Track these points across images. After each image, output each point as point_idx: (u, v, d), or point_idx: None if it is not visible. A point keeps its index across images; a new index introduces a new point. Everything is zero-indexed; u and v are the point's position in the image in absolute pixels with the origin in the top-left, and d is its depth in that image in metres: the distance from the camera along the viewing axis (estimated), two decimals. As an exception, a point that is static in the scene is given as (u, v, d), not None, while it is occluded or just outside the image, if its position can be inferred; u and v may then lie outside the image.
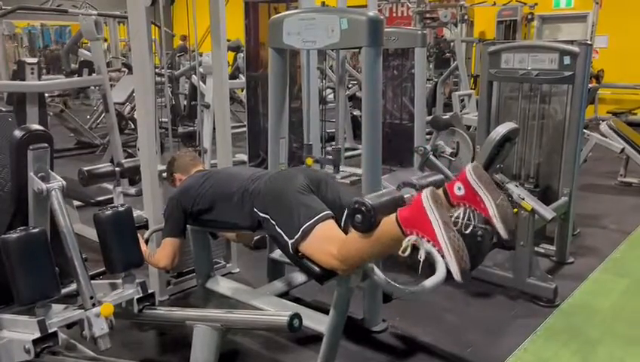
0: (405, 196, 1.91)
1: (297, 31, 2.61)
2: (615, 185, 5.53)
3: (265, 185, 2.27)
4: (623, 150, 5.23)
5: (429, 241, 1.70)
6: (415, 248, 1.79)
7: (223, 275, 3.08)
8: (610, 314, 2.95)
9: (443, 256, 1.68)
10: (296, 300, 2.85)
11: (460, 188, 1.82)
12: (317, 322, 2.30)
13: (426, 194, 1.73)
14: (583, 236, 4.05)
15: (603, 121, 5.73)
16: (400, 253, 1.75)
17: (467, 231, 1.80)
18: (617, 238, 4.01)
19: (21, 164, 1.94)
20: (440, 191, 1.82)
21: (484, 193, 1.77)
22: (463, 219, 1.82)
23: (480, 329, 2.79)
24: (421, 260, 1.73)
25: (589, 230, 4.17)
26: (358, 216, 1.81)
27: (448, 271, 1.73)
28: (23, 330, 1.84)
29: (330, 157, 3.99)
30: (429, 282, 1.95)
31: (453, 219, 1.78)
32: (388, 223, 1.79)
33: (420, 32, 4.75)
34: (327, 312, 2.24)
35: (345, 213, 2.17)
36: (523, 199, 3.05)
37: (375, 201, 1.83)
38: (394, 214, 1.78)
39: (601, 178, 5.73)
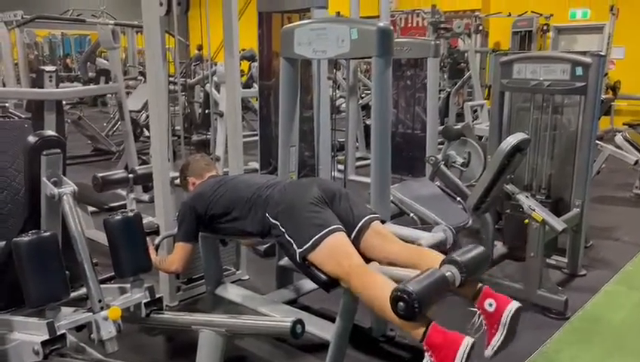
0: (447, 275, 1.87)
1: (308, 41, 2.64)
2: (630, 197, 5.46)
3: (279, 194, 2.30)
4: (637, 162, 5.16)
5: None
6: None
7: (233, 282, 3.10)
8: (622, 328, 2.91)
9: None
10: (304, 308, 2.86)
11: (491, 306, 1.92)
12: (323, 329, 2.32)
13: (466, 344, 1.71)
14: (595, 248, 4.00)
15: (619, 132, 5.67)
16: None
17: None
18: (630, 251, 3.95)
19: (34, 169, 1.98)
20: (474, 342, 1.78)
21: (502, 331, 1.90)
22: (476, 325, 1.94)
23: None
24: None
25: (602, 242, 4.13)
26: (401, 304, 1.73)
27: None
28: (32, 332, 1.87)
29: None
30: None
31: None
32: (416, 326, 1.77)
33: (432, 42, 4.77)
34: (334, 320, 2.25)
35: (357, 228, 2.23)
36: (534, 210, 3.03)
37: (418, 288, 1.73)
38: (424, 327, 1.76)
39: (615, 190, 5.66)
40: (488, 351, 1.92)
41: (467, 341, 1.73)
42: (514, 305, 1.91)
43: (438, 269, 1.87)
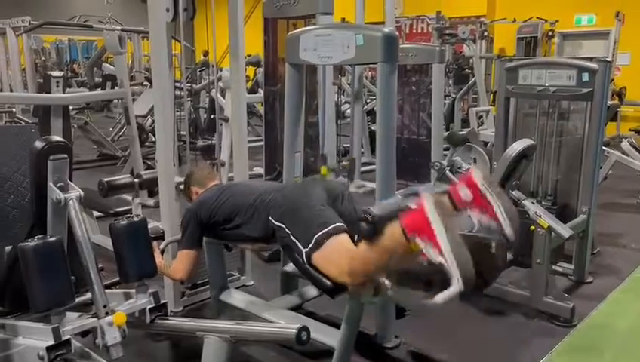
0: (410, 205, 1.92)
1: (314, 47, 2.65)
2: (637, 204, 5.44)
3: (282, 196, 2.30)
4: (644, 168, 5.14)
5: (431, 246, 1.68)
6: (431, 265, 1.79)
7: (237, 288, 3.09)
8: (629, 335, 2.89)
9: (445, 262, 1.65)
10: (309, 314, 2.84)
11: (467, 194, 1.79)
12: (328, 336, 2.31)
13: (428, 198, 1.72)
14: (602, 255, 3.98)
15: (625, 138, 5.65)
16: (403, 253, 1.75)
17: (472, 232, 1.80)
18: (638, 258, 3.93)
19: (41, 174, 1.98)
20: (445, 197, 1.80)
21: (494, 199, 1.75)
22: (467, 223, 1.80)
23: (495, 348, 2.76)
24: (425, 265, 1.71)
25: (609, 249, 4.10)
26: (364, 224, 1.84)
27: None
28: (37, 337, 1.87)
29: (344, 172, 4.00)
30: (441, 296, 1.94)
31: (460, 225, 1.77)
32: (392, 230, 1.79)
33: (437, 48, 4.77)
34: (339, 326, 2.24)
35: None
36: (540, 216, 3.01)
37: (380, 210, 1.85)
38: (396, 222, 1.78)
39: (622, 196, 5.63)
40: (506, 228, 1.75)
41: (427, 197, 1.72)
42: (476, 173, 1.81)
43: (402, 199, 1.90)
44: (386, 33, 2.39)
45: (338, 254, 2.03)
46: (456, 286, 1.81)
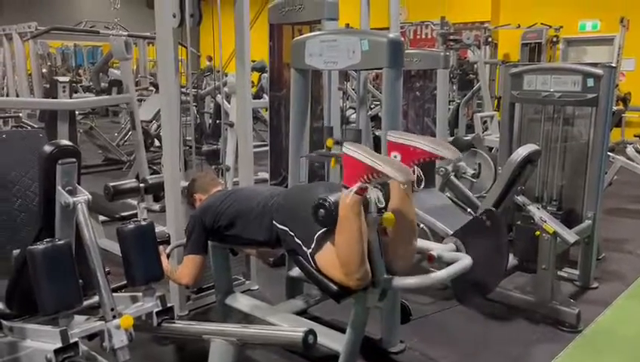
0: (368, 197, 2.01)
1: (319, 52, 2.66)
2: (642, 210, 5.43)
3: (284, 198, 2.31)
4: (649, 174, 5.13)
5: (370, 175, 1.86)
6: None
7: (243, 292, 3.10)
8: (635, 341, 2.88)
9: (380, 173, 1.84)
10: (315, 318, 2.85)
11: (395, 156, 2.11)
12: (334, 340, 2.31)
13: (346, 145, 1.91)
14: (607, 261, 3.97)
15: (630, 144, 5.64)
16: (356, 190, 1.88)
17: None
18: (644, 264, 3.92)
19: (50, 178, 2.00)
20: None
21: (412, 141, 2.10)
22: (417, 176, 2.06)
23: (500, 353, 2.75)
24: (372, 199, 1.94)
25: (615, 255, 4.09)
26: (321, 210, 1.96)
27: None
28: (45, 340, 1.89)
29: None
30: (450, 269, 2.03)
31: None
32: (341, 199, 1.92)
33: (442, 53, 4.78)
34: (344, 331, 2.25)
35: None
36: (545, 222, 3.01)
37: (336, 197, 1.96)
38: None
39: (627, 202, 5.62)
40: (440, 152, 2.08)
41: (345, 145, 1.93)
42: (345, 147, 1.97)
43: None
44: (391, 39, 2.40)
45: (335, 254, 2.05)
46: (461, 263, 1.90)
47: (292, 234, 2.18)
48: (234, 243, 2.61)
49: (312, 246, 2.08)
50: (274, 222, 2.26)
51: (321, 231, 2.07)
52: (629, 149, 5.26)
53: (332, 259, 2.03)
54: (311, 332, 1.82)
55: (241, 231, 2.42)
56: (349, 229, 1.92)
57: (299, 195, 2.31)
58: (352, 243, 1.92)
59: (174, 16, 2.94)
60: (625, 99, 8.64)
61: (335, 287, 2.06)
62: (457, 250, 2.51)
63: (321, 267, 2.08)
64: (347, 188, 1.92)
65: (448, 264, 2.13)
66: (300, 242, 2.14)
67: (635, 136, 8.29)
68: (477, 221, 2.73)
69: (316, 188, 2.30)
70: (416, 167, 2.06)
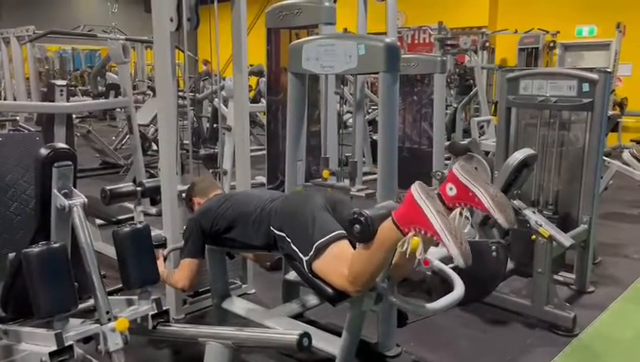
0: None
1: (316, 56, 2.67)
2: (638, 214, 5.44)
3: (282, 204, 2.31)
4: (645, 179, 5.15)
5: (426, 233, 1.72)
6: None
7: (239, 296, 3.09)
8: (632, 346, 2.88)
9: (442, 243, 1.69)
10: (311, 322, 2.85)
11: (451, 189, 1.82)
12: (330, 344, 2.31)
13: (415, 187, 1.77)
14: (603, 265, 3.98)
15: (626, 149, 5.66)
16: (400, 249, 1.78)
17: (465, 231, 1.83)
18: (639, 268, 3.92)
19: (46, 181, 2.00)
20: (433, 191, 1.84)
21: (475, 188, 1.78)
22: (462, 216, 1.82)
23: (496, 357, 2.75)
24: (420, 258, 1.77)
25: (611, 259, 4.10)
26: (357, 226, 1.86)
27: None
28: (40, 343, 1.88)
29: (347, 169, 3.99)
30: (443, 301, 1.97)
31: (451, 218, 1.78)
32: (386, 227, 1.83)
33: (439, 58, 4.80)
34: (340, 334, 2.25)
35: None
36: (541, 226, 3.02)
37: (373, 212, 1.88)
38: (388, 219, 1.82)
39: (623, 206, 5.64)
40: (496, 215, 1.76)
41: (413, 186, 1.77)
42: (455, 165, 1.85)
43: (395, 202, 1.95)
44: (387, 43, 2.41)
45: (339, 261, 2.04)
46: (457, 292, 1.82)
47: (289, 240, 2.18)
48: (231, 247, 2.62)
49: (310, 254, 2.08)
50: (271, 227, 2.27)
51: (321, 241, 2.07)
52: (625, 154, 5.28)
53: (335, 267, 2.03)
54: (306, 334, 1.82)
55: (238, 234, 2.42)
56: (378, 253, 1.87)
57: (297, 202, 2.30)
58: (375, 265, 1.92)
59: (172, 20, 2.95)
60: (622, 104, 8.69)
61: (331, 291, 2.06)
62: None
63: (321, 273, 2.08)
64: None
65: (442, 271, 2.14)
66: (296, 249, 2.14)
67: (632, 140, 8.33)
68: (485, 246, 2.71)
69: (314, 196, 2.29)
70: (464, 209, 1.85)
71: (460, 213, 1.81)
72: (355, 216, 1.86)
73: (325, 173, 3.81)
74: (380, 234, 1.84)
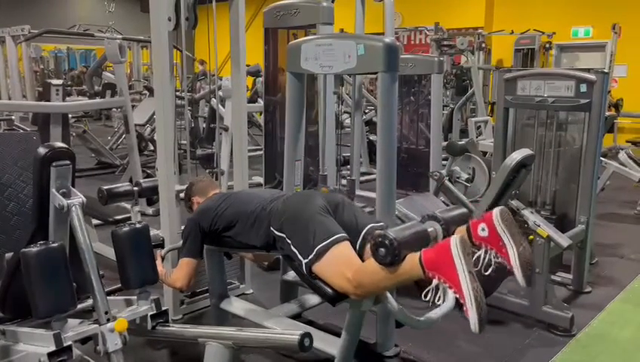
0: (429, 230, 1.89)
1: (315, 56, 2.66)
2: (634, 215, 5.45)
3: (282, 205, 2.30)
4: (641, 179, 5.17)
5: (450, 288, 1.70)
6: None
7: (237, 296, 3.09)
8: (629, 346, 2.89)
9: (464, 305, 1.68)
10: (309, 322, 2.84)
11: (484, 230, 1.83)
12: (329, 344, 2.31)
13: (455, 242, 1.72)
14: (601, 265, 3.99)
15: (622, 149, 5.68)
16: (422, 296, 1.76)
17: (487, 273, 1.82)
18: (636, 268, 3.94)
19: (44, 180, 1.99)
20: (465, 235, 1.83)
21: (508, 239, 1.79)
22: (484, 260, 1.83)
23: (494, 357, 2.75)
24: (438, 303, 1.75)
25: (608, 259, 4.11)
26: (382, 249, 1.79)
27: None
28: (38, 343, 1.87)
29: (345, 187, 4.03)
30: (439, 312, 1.97)
31: (474, 258, 1.78)
32: (410, 262, 1.79)
33: (436, 58, 4.80)
34: (339, 335, 2.24)
35: (361, 237, 2.19)
36: (539, 226, 3.03)
37: (399, 235, 1.80)
38: (417, 254, 1.78)
39: (620, 207, 5.66)
40: (517, 274, 1.80)
41: (454, 239, 1.73)
42: (497, 209, 1.86)
43: (419, 223, 1.88)
44: (387, 43, 2.40)
45: (341, 263, 2.04)
46: (451, 302, 1.83)
47: (289, 241, 2.18)
48: (230, 247, 2.60)
49: (311, 257, 2.07)
50: (271, 228, 2.26)
51: (322, 245, 2.06)
52: (622, 154, 5.30)
53: (337, 269, 2.03)
54: (307, 335, 1.81)
55: (237, 234, 2.41)
56: (393, 279, 1.86)
57: (298, 203, 2.29)
58: (385, 285, 1.92)
59: (170, 20, 2.94)
60: (617, 105, 8.71)
61: (331, 291, 2.06)
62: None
63: (321, 275, 2.07)
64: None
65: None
66: (296, 251, 2.13)
67: (628, 141, 8.36)
68: (464, 213, 2.72)
69: (314, 198, 2.28)
70: (489, 253, 1.86)
71: (485, 253, 1.82)
72: (380, 239, 1.79)
73: (324, 189, 3.83)
74: (404, 265, 1.80)
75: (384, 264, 1.80)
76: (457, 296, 1.70)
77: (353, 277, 1.97)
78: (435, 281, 1.73)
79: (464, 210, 2.06)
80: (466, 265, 1.69)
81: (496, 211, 1.84)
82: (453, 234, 1.95)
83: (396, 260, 1.78)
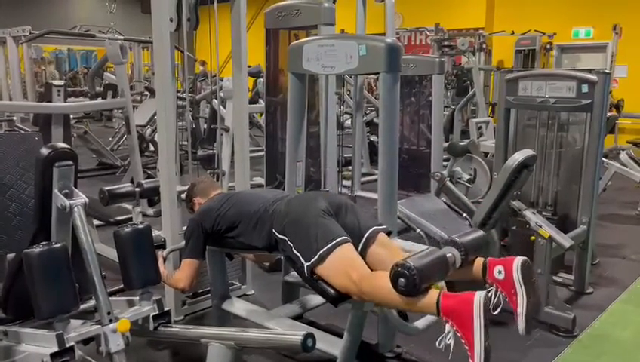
0: (447, 255, 1.89)
1: (317, 57, 2.66)
2: (636, 215, 5.45)
3: (285, 207, 2.29)
4: (643, 180, 5.17)
5: (462, 339, 1.73)
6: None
7: (238, 297, 3.09)
8: (631, 346, 2.89)
9: (470, 355, 1.73)
10: (311, 323, 2.84)
11: (500, 272, 1.87)
12: (330, 345, 2.31)
13: (478, 301, 1.72)
14: (602, 266, 3.99)
15: (623, 150, 5.68)
16: (437, 343, 1.79)
17: (495, 313, 1.86)
18: (638, 269, 3.94)
19: (46, 181, 1.99)
20: (480, 271, 1.90)
21: (521, 290, 1.84)
22: (494, 300, 1.87)
23: (496, 358, 2.72)
24: (448, 344, 1.77)
25: (609, 260, 4.11)
26: (402, 280, 1.76)
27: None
28: (41, 344, 1.87)
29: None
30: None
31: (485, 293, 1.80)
32: (428, 300, 1.79)
33: (437, 59, 4.80)
34: (341, 336, 2.24)
35: (364, 239, 2.21)
36: (540, 226, 3.03)
37: (418, 263, 1.77)
38: (436, 294, 1.78)
39: (621, 208, 5.66)
40: (519, 322, 1.86)
41: (479, 296, 1.73)
42: (518, 259, 1.88)
43: (438, 249, 1.87)
44: (389, 43, 2.40)
45: (345, 264, 2.05)
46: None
47: (290, 244, 2.17)
48: (232, 247, 2.60)
49: (313, 260, 2.07)
50: (273, 229, 2.26)
51: (325, 249, 2.06)
52: (623, 155, 5.30)
53: (341, 270, 2.03)
54: (310, 335, 1.81)
55: (239, 234, 2.41)
56: (403, 305, 1.87)
57: (301, 206, 2.28)
58: (392, 306, 1.96)
59: (171, 20, 2.94)
60: (618, 106, 8.72)
61: (333, 292, 2.06)
62: (453, 257, 2.51)
63: (325, 276, 2.07)
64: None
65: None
66: (298, 254, 2.13)
67: (629, 142, 8.36)
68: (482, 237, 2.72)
69: (317, 200, 2.27)
70: (499, 294, 1.90)
71: (495, 294, 1.88)
72: (400, 268, 1.76)
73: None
74: (420, 301, 1.80)
75: (401, 293, 1.79)
76: (467, 348, 1.73)
77: (359, 280, 1.98)
78: (447, 326, 1.75)
79: (481, 233, 2.06)
80: (484, 325, 1.72)
81: (517, 261, 1.87)
82: (471, 262, 1.97)
83: (415, 292, 1.77)
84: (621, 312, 3.28)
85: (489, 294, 1.78)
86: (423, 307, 1.81)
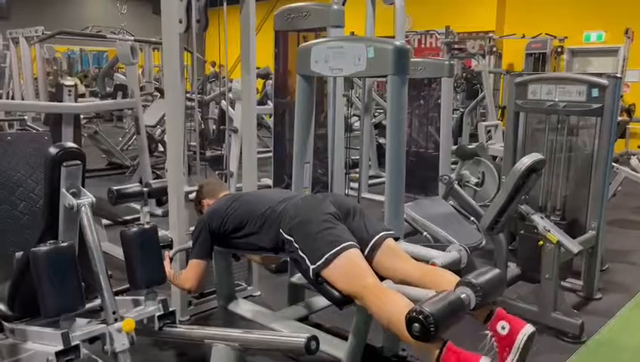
0: (462, 296, 1.86)
1: (325, 59, 2.66)
2: (646, 221, 5.41)
3: (293, 208, 2.29)
4: (654, 185, 5.11)
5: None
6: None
7: (244, 298, 3.09)
8: (639, 353, 2.85)
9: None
10: (316, 325, 2.84)
11: (504, 328, 1.89)
12: (335, 348, 2.30)
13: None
14: (611, 271, 3.95)
15: (634, 155, 5.63)
16: None
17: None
18: (648, 275, 3.90)
19: (54, 180, 2.00)
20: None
21: (515, 355, 1.85)
22: (488, 345, 1.90)
23: (502, 363, 2.73)
24: None
25: (618, 266, 4.07)
26: (417, 325, 1.71)
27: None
28: (46, 342, 1.88)
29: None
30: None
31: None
32: (430, 348, 1.78)
33: (446, 62, 4.79)
34: (346, 338, 2.24)
35: (371, 244, 2.21)
36: (548, 231, 3.00)
37: (433, 308, 1.71)
38: (439, 346, 1.77)
39: (631, 213, 5.60)
40: None
41: (483, 359, 1.72)
42: (528, 328, 1.87)
43: (453, 291, 1.85)
44: (397, 46, 2.40)
45: (348, 270, 2.05)
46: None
47: (297, 246, 2.17)
48: (239, 248, 2.60)
49: (319, 263, 2.07)
50: (280, 231, 2.25)
51: (332, 252, 2.06)
52: (634, 160, 5.25)
53: (348, 273, 2.04)
54: (313, 338, 1.81)
55: (246, 235, 2.41)
56: (407, 340, 1.84)
57: (309, 208, 2.28)
58: (395, 331, 1.92)
59: (181, 22, 2.96)
60: (629, 110, 8.65)
61: (338, 294, 2.05)
62: (460, 259, 2.49)
63: (331, 279, 2.07)
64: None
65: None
66: (304, 256, 2.13)
67: (639, 147, 8.28)
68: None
69: (325, 203, 2.27)
70: (494, 344, 1.91)
71: (490, 340, 1.90)
72: (415, 314, 1.70)
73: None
74: (425, 348, 1.79)
75: (422, 340, 1.75)
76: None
77: (363, 288, 1.98)
78: None
79: (498, 272, 2.00)
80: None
81: (528, 329, 1.87)
82: (486, 305, 1.94)
83: (428, 339, 1.72)
84: (630, 319, 3.25)
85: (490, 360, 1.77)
86: (421, 351, 1.82)
